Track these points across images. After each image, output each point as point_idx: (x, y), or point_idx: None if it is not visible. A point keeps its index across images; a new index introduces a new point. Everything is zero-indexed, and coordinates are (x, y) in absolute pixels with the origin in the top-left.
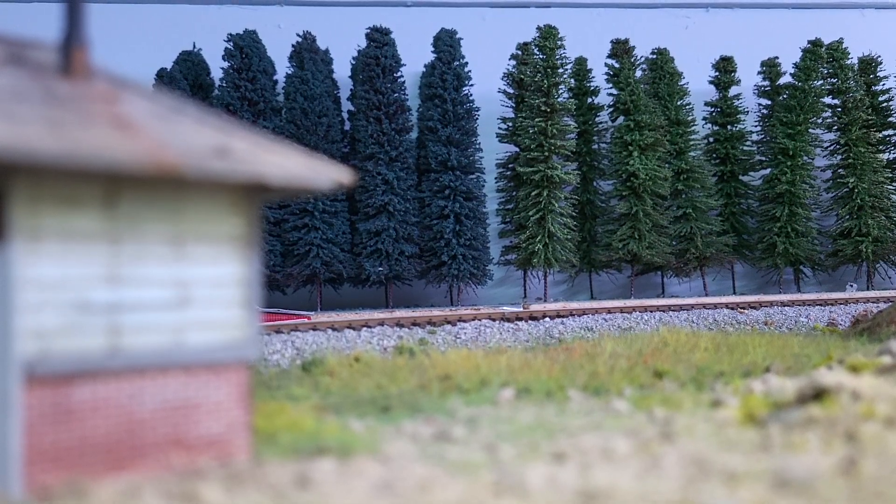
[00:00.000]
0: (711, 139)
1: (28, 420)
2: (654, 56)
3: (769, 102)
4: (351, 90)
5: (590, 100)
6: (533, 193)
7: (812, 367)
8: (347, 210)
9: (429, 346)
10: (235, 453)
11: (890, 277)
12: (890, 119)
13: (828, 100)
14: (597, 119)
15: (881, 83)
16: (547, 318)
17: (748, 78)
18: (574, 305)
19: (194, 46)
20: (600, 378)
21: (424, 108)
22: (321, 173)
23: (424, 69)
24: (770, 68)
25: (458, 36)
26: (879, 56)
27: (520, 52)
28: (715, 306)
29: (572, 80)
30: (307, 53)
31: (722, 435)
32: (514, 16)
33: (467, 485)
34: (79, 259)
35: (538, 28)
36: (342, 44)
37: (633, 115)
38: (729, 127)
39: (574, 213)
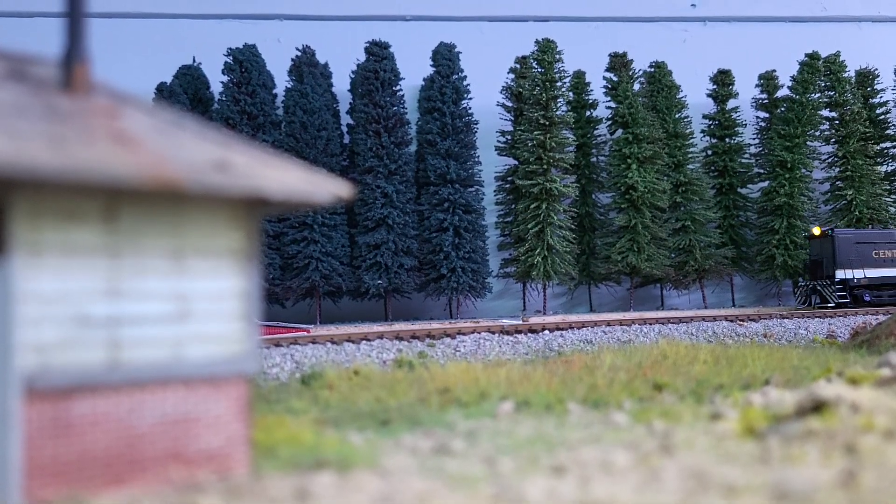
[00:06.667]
0: (710, 152)
1: (28, 434)
2: (653, 69)
3: (767, 115)
4: (350, 104)
5: (588, 113)
6: (532, 206)
7: (811, 379)
8: (346, 223)
9: (428, 359)
10: (235, 467)
11: None
12: (887, 131)
13: (825, 112)
14: (595, 132)
15: (878, 96)
16: (546, 331)
17: (746, 91)
18: (573, 318)
19: (194, 60)
20: (599, 391)
21: (423, 121)
22: (320, 187)
23: (423, 83)
24: (768, 81)
25: (456, 50)
26: (876, 69)
27: (518, 66)
28: (714, 318)
29: (571, 94)
30: (306, 67)
31: (721, 448)
32: (512, 29)
33: (466, 498)
34: (79, 273)
35: (536, 42)
36: (341, 58)
37: (632, 128)
38: (727, 139)
39: (573, 226)
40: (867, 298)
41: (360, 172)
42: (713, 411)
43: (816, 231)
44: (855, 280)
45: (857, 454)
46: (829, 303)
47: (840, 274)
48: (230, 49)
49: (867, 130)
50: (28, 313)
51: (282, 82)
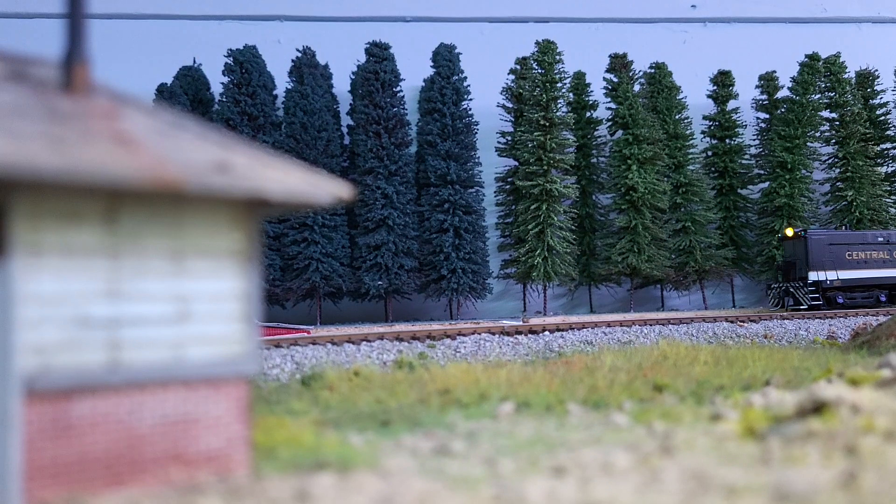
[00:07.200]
0: (710, 153)
1: (28, 435)
2: (653, 70)
3: (767, 116)
4: (350, 105)
5: (588, 114)
6: (532, 207)
7: (812, 380)
8: (347, 224)
9: (428, 360)
10: (235, 468)
11: None
12: (888, 132)
13: (826, 113)
14: (595, 133)
15: (878, 97)
16: (546, 332)
17: (746, 92)
18: (573, 319)
19: (194, 62)
20: (600, 392)
21: (423, 122)
22: (321, 188)
23: (423, 84)
24: (768, 82)
25: (456, 51)
26: (876, 70)
27: (518, 67)
28: (714, 319)
29: (571, 95)
30: (307, 68)
31: (722, 449)
32: (512, 30)
33: (467, 499)
34: (79, 274)
35: (537, 43)
36: (342, 59)
37: (632, 129)
38: (727, 140)
39: (573, 227)
40: (840, 300)
41: (360, 173)
42: (713, 412)
43: (789, 232)
44: (828, 282)
45: (857, 455)
46: (802, 305)
47: (813, 276)
48: (230, 50)
49: (867, 131)
50: (28, 315)
51: (282, 83)
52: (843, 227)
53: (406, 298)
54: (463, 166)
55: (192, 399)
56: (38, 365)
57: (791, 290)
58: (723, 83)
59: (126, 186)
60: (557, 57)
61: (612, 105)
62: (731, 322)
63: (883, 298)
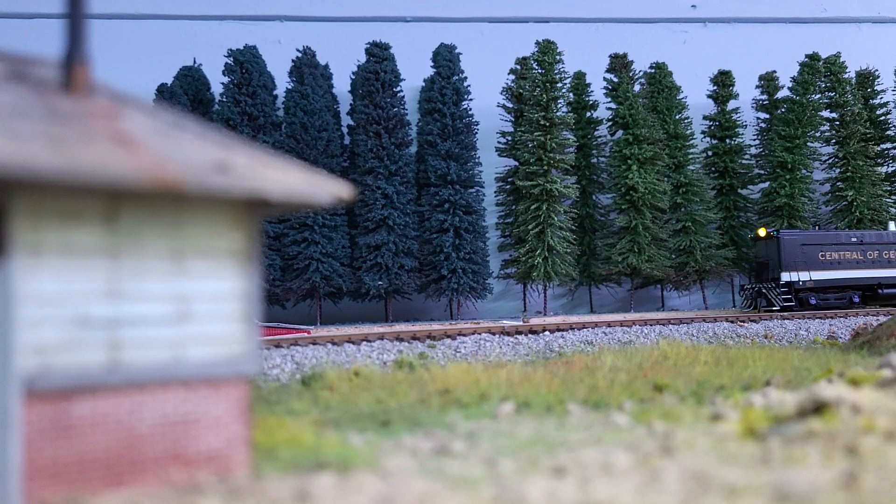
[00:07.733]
0: (710, 153)
1: (28, 435)
2: (653, 70)
3: (767, 116)
4: (350, 105)
5: (589, 114)
6: (532, 207)
7: (812, 380)
8: (347, 224)
9: (428, 360)
10: (235, 468)
11: None
12: (888, 132)
13: (826, 113)
14: (596, 133)
15: (879, 97)
16: (547, 332)
17: (746, 92)
18: (574, 319)
19: (195, 62)
20: (600, 392)
21: (424, 122)
22: (321, 188)
23: (424, 84)
24: (768, 82)
25: (457, 51)
26: (877, 70)
27: (518, 67)
28: (715, 319)
29: (571, 95)
30: (307, 68)
31: (722, 449)
32: (512, 30)
33: (467, 499)
34: (79, 274)
35: (537, 43)
36: (342, 59)
37: (632, 129)
38: (727, 140)
39: (573, 227)
40: (813, 301)
41: (360, 173)
42: (714, 412)
43: (762, 232)
44: (801, 283)
45: (857, 455)
46: (775, 306)
47: (785, 276)
48: (231, 50)
49: (867, 131)
50: (28, 315)
51: (282, 83)
52: (816, 228)
53: (406, 298)
54: (463, 166)
55: (192, 399)
56: (38, 365)
57: (763, 290)
58: (723, 83)
59: (126, 186)
60: (557, 57)
61: (613, 105)
62: (732, 322)
63: (856, 299)
